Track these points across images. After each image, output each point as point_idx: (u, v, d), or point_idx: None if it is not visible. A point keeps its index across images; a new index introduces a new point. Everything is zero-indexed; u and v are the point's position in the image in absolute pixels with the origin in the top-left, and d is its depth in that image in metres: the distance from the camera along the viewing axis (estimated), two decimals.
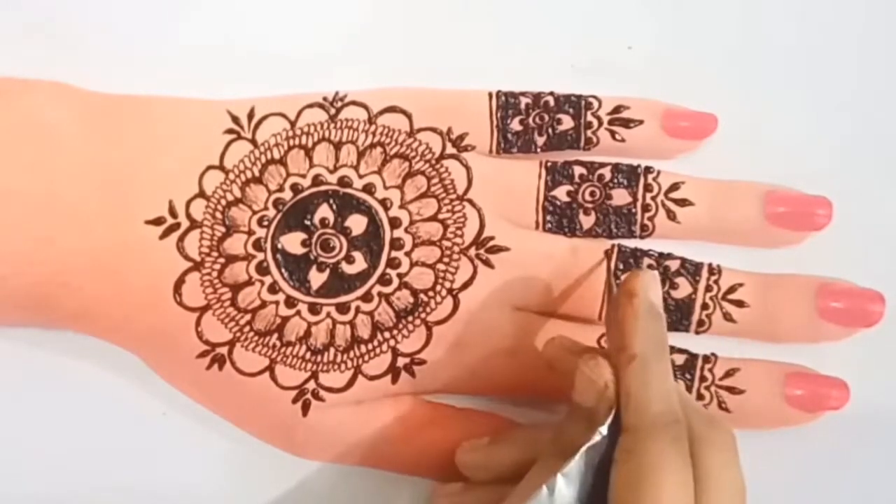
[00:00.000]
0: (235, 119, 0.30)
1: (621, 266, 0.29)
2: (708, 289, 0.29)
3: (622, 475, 0.23)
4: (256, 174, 0.29)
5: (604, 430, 0.24)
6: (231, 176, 0.29)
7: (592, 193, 0.30)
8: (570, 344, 0.27)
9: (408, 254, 0.29)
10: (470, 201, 0.29)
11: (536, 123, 0.30)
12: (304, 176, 0.29)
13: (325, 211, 0.29)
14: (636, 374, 0.24)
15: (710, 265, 0.30)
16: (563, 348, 0.27)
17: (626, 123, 0.30)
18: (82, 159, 0.28)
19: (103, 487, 0.29)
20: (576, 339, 0.29)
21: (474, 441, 0.28)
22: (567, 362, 0.26)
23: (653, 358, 0.24)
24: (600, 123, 0.30)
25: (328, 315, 0.29)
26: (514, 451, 0.28)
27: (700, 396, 0.29)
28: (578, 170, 0.30)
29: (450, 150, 0.30)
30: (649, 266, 0.29)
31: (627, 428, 0.24)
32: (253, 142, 0.29)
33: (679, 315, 0.29)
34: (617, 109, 0.30)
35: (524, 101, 0.30)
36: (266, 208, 0.29)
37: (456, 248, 0.29)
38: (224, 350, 0.28)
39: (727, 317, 0.29)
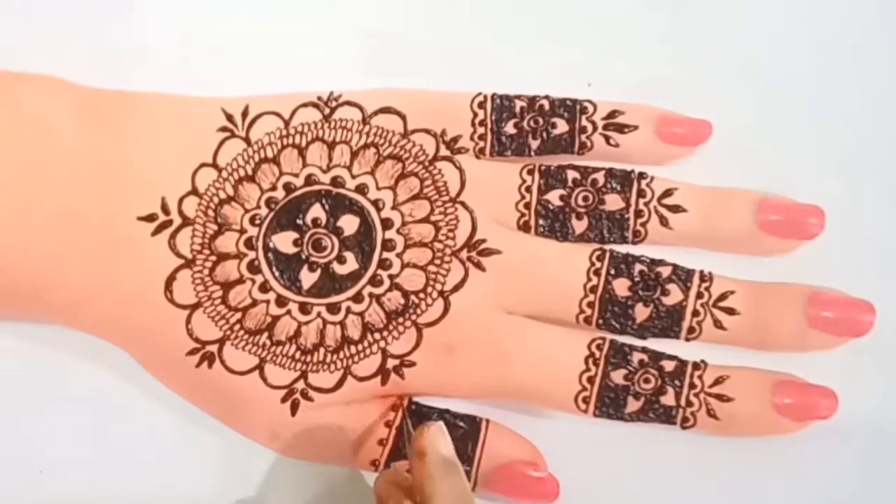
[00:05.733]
0: (229, 117, 0.30)
1: (612, 271, 0.29)
2: (699, 296, 0.29)
3: None
4: (249, 172, 0.29)
5: None
6: (224, 174, 0.29)
7: (585, 198, 0.30)
8: (400, 479, 0.27)
9: (399, 255, 0.29)
10: (462, 203, 0.29)
11: (531, 127, 0.30)
12: (297, 175, 0.29)
13: (317, 210, 0.29)
14: None
15: (701, 272, 0.30)
16: (391, 484, 0.26)
17: (621, 128, 0.30)
18: (75, 154, 0.28)
19: (90, 484, 0.29)
20: (565, 342, 0.29)
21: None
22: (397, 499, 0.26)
23: None
24: (595, 128, 0.30)
25: (318, 315, 0.29)
26: None
27: (689, 403, 0.29)
28: (572, 174, 0.30)
29: (443, 151, 0.30)
30: (640, 274, 0.29)
31: None
32: (247, 140, 0.29)
33: (670, 322, 0.29)
34: (612, 114, 0.30)
35: (519, 104, 0.30)
36: (258, 207, 0.29)
37: (447, 251, 0.29)
38: (214, 348, 0.28)
39: (718, 324, 0.29)
